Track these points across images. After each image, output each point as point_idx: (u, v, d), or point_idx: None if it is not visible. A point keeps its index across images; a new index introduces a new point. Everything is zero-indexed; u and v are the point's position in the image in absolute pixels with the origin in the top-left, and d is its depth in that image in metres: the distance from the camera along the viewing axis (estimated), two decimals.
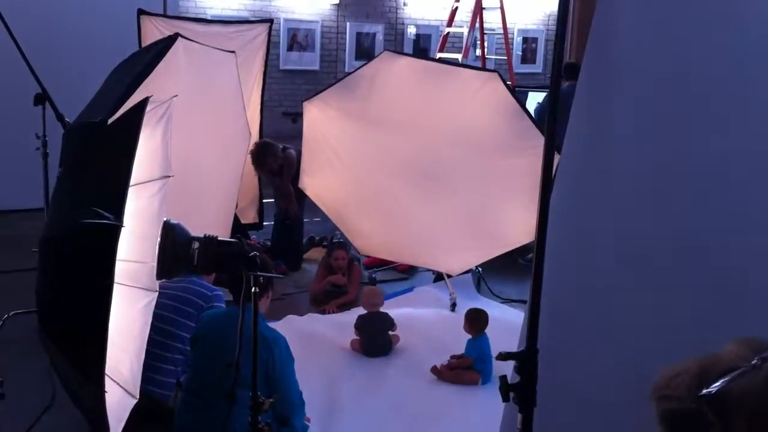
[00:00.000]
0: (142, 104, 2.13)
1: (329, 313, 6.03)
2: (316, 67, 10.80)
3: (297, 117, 10.63)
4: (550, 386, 1.98)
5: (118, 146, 2.10)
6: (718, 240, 1.89)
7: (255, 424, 2.58)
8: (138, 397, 2.68)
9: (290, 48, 10.62)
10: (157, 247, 2.37)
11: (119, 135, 2.14)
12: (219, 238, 2.47)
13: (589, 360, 2.11)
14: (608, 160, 2.01)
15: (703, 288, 1.93)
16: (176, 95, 2.62)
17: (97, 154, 2.21)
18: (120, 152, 2.07)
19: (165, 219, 2.42)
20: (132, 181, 2.25)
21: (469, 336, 5.06)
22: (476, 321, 5.06)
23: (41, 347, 4.85)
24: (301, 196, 6.73)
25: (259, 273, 2.48)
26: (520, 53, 12.32)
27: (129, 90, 4.32)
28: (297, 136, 8.06)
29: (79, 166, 2.28)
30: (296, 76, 10.69)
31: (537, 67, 12.54)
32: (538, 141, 5.19)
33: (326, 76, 10.76)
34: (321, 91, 5.69)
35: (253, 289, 2.49)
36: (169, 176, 2.79)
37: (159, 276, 2.45)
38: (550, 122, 1.89)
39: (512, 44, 10.49)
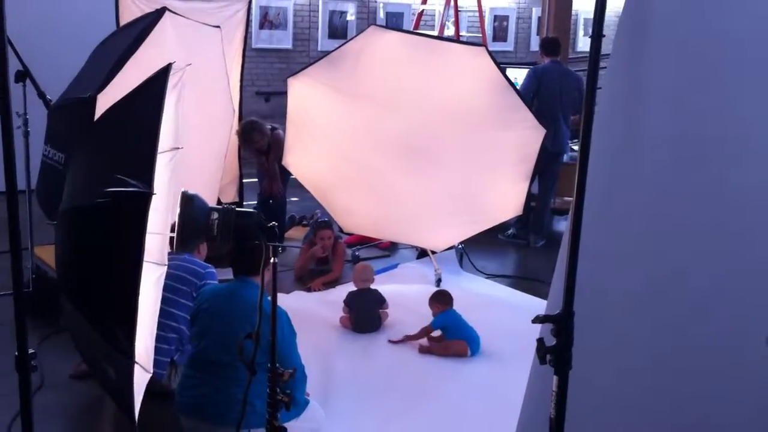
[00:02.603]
0: (166, 70, 2.08)
1: (315, 290, 6.02)
2: (289, 45, 10.69)
3: (270, 96, 10.56)
4: (584, 350, 2.00)
5: (143, 113, 2.06)
6: (756, 213, 1.91)
7: (274, 395, 2.57)
8: (152, 372, 2.65)
9: (261, 26, 10.49)
10: (177, 218, 2.34)
11: (143, 101, 2.09)
12: (237, 209, 2.44)
13: (622, 327, 2.13)
14: (642, 134, 2.01)
15: (741, 260, 1.96)
16: (190, 63, 2.58)
17: (119, 123, 2.16)
18: (145, 119, 2.03)
19: (183, 190, 2.39)
20: None
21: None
22: (440, 297, 5.19)
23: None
24: (285, 175, 6.69)
25: (277, 243, 2.46)
26: (491, 32, 12.33)
27: (118, 64, 4.29)
28: (270, 116, 7.99)
29: (97, 136, 2.23)
30: (268, 54, 10.58)
31: (508, 45, 12.57)
32: (525, 115, 5.24)
33: (299, 55, 10.67)
34: (305, 67, 5.62)
35: (272, 260, 2.47)
36: (179, 148, 2.76)
37: (178, 247, 2.42)
38: (588, 109, 1.87)
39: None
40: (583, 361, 2.01)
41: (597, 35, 1.83)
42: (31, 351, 1.79)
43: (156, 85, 2.04)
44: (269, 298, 3.45)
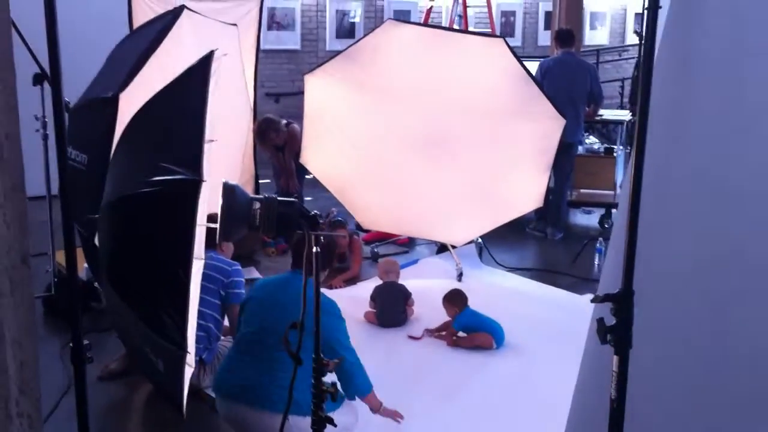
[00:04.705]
0: (208, 57, 2.05)
1: (336, 288, 6.00)
2: (297, 46, 10.67)
3: (279, 97, 10.54)
4: (642, 329, 1.97)
5: (188, 100, 2.03)
6: None
7: (318, 386, 2.53)
8: (194, 365, 2.62)
9: (269, 27, 10.47)
10: (219, 208, 2.31)
11: (188, 89, 2.06)
12: (279, 198, 2.41)
13: (679, 303, 2.09)
14: (696, 107, 1.98)
15: None
16: (226, 53, 2.55)
17: (163, 112, 2.13)
18: (191, 106, 2.00)
19: (224, 180, 2.36)
20: None
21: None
22: (453, 299, 5.12)
23: (48, 331, 4.76)
24: (301, 173, 6.67)
25: (320, 233, 2.43)
26: (498, 27, 12.32)
27: (139, 63, 4.27)
28: (280, 117, 7.93)
29: (141, 126, 2.20)
30: (277, 55, 10.56)
31: (516, 41, 12.54)
32: (544, 106, 5.20)
33: (307, 56, 10.65)
34: (321, 64, 5.59)
35: (315, 249, 2.43)
36: (213, 140, 2.73)
37: (220, 239, 2.39)
38: (643, 102, 1.84)
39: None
40: (640, 339, 1.97)
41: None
42: (86, 342, 1.77)
43: (200, 72, 2.01)
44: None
